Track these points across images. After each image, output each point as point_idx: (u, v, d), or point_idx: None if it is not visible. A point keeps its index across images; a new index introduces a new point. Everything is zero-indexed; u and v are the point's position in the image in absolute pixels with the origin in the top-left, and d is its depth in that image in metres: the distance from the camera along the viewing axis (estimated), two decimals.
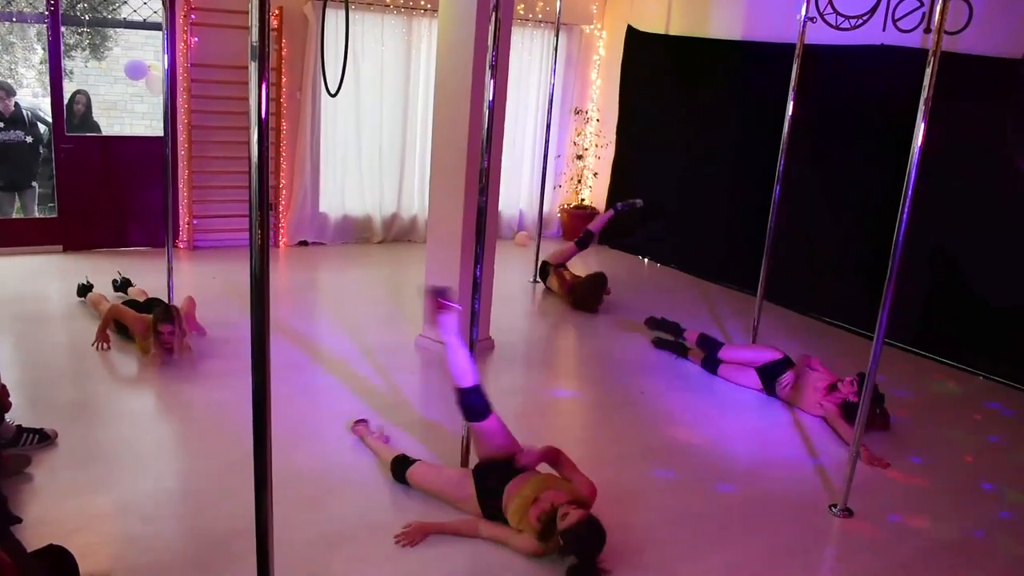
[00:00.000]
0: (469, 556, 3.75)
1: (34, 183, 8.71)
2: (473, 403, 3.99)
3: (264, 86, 2.04)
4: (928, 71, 3.81)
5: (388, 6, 8.50)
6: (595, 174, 10.02)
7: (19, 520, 3.59)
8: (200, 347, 5.81)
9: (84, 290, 6.50)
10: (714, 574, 3.74)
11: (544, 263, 7.88)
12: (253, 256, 2.20)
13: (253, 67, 2.03)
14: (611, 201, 9.78)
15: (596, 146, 9.95)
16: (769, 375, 5.73)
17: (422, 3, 8.62)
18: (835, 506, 4.33)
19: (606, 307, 7.43)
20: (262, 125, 2.07)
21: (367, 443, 4.55)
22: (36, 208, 8.77)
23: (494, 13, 3.91)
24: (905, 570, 3.91)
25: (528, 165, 9.80)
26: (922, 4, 6.67)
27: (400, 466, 4.17)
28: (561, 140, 9.89)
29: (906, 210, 3.92)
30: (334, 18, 8.00)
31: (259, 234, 2.17)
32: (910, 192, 3.90)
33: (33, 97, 11.05)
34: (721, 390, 5.86)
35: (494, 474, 3.93)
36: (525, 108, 9.63)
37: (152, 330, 5.50)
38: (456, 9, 5.57)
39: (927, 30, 6.68)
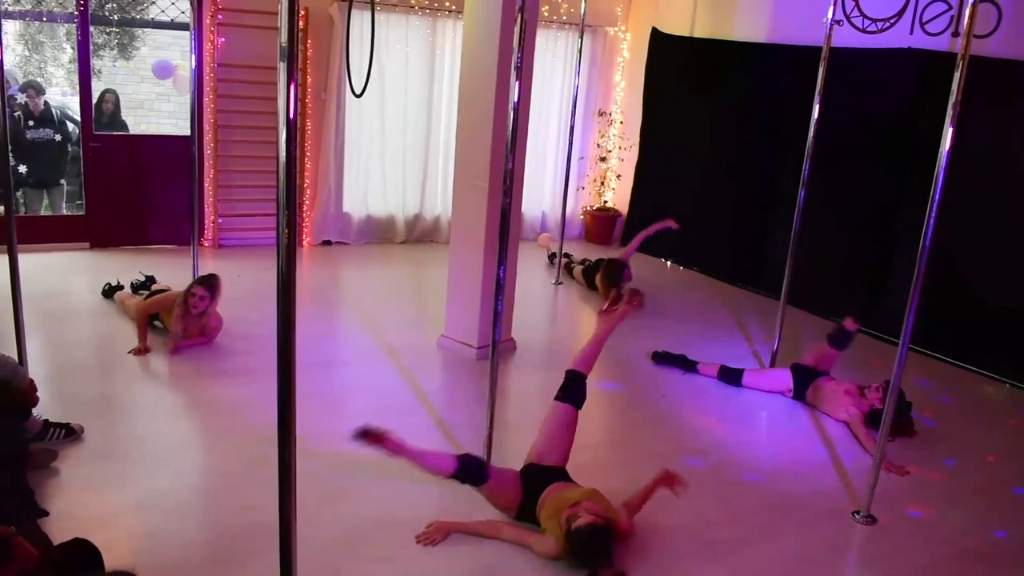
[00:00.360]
0: (489, 554, 3.76)
1: (62, 181, 8.82)
2: (578, 389, 4.17)
3: (293, 86, 2.06)
4: (957, 75, 3.78)
5: (413, 7, 8.53)
6: (618, 176, 10.01)
7: (46, 513, 3.63)
8: (223, 344, 5.87)
9: (111, 291, 6.57)
10: None
11: (601, 262, 7.92)
12: (280, 254, 2.21)
13: (282, 68, 2.05)
14: (634, 204, 9.76)
15: (620, 148, 9.93)
16: (805, 376, 5.70)
17: (447, 4, 8.64)
18: (858, 512, 4.30)
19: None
20: (290, 125, 2.09)
21: (407, 455, 3.90)
22: (64, 205, 8.87)
23: (520, 15, 3.91)
24: None
25: (551, 167, 9.80)
26: (950, 7, 6.62)
27: (474, 470, 3.88)
28: (584, 142, 9.88)
29: (933, 214, 3.89)
30: (359, 19, 8.04)
31: (286, 233, 2.18)
32: (938, 196, 3.87)
33: (62, 96, 11.17)
34: (742, 395, 5.83)
35: (542, 476, 3.94)
36: (548, 110, 9.63)
37: (184, 293, 5.70)
38: (481, 11, 5.58)
39: (955, 33, 6.63)
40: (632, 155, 9.77)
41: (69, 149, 8.73)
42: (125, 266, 7.18)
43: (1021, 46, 6.19)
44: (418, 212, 9.28)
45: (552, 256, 8.64)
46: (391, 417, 4.98)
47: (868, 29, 5.94)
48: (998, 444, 5.35)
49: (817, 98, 5.60)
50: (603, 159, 10.01)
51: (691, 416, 5.38)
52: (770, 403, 5.74)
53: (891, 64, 6.99)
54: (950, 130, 3.81)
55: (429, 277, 7.92)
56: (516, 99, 4.02)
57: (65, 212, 8.75)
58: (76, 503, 3.82)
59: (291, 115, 2.08)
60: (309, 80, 8.30)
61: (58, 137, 8.48)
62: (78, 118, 8.06)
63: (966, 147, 6.16)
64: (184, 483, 4.12)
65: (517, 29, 3.94)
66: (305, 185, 8.55)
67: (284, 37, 2.04)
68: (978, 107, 6.16)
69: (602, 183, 10.09)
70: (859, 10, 5.89)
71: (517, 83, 4.01)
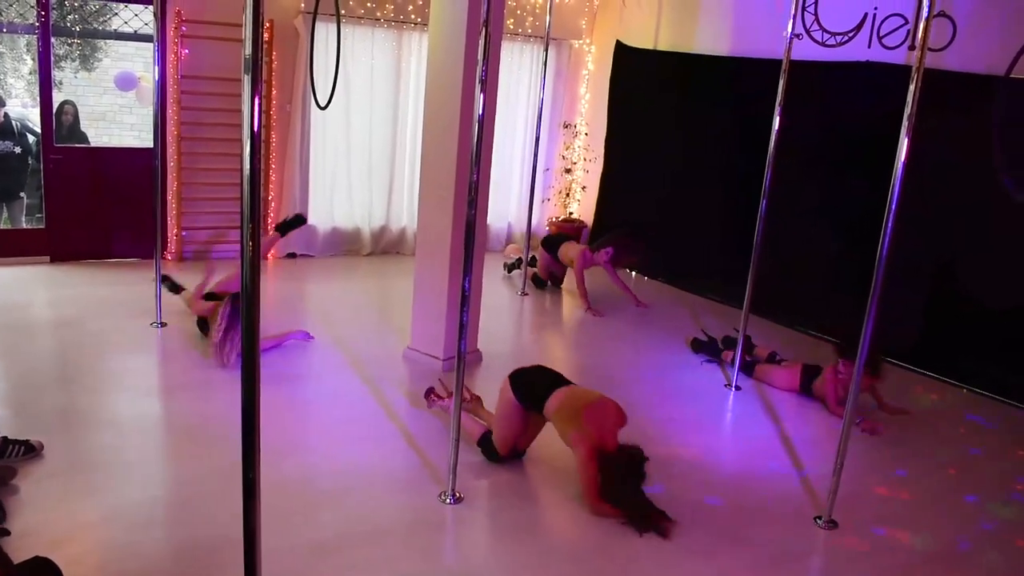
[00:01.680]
0: (462, 564, 3.76)
1: (22, 194, 8.69)
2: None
3: (257, 99, 2.06)
4: (912, 87, 3.87)
5: (379, 19, 8.55)
6: (583, 188, 10.07)
7: (7, 532, 3.58)
8: (186, 356, 5.83)
9: (175, 288, 6.61)
10: None
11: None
12: (244, 268, 2.21)
13: (246, 80, 2.05)
14: (599, 215, 9.83)
15: (585, 160, 10.00)
16: (811, 374, 6.07)
17: (412, 17, 8.66)
18: (820, 518, 4.36)
19: (592, 319, 7.49)
20: (255, 138, 2.09)
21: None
22: (24, 219, 8.75)
23: (484, 28, 3.94)
24: None
25: (517, 178, 9.84)
26: (907, 21, 6.76)
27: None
28: (550, 154, 9.94)
29: (890, 224, 3.97)
30: (324, 31, 8.04)
31: (250, 246, 2.18)
32: (894, 207, 3.94)
33: (22, 107, 11.03)
34: (706, 402, 5.89)
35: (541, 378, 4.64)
36: (514, 122, 9.67)
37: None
38: (447, 24, 5.61)
39: (911, 47, 6.77)
40: (597, 167, 9.85)
41: (29, 162, 8.62)
42: (86, 280, 7.10)
43: (974, 59, 6.34)
44: (384, 224, 9.27)
45: (510, 267, 8.69)
46: (357, 428, 4.99)
47: (827, 42, 6.06)
48: (959, 452, 5.45)
49: (778, 110, 5.69)
50: (568, 171, 10.07)
51: (656, 423, 5.41)
52: (734, 411, 5.80)
53: (851, 77, 7.11)
54: (905, 140, 3.89)
55: (395, 289, 7.91)
56: (481, 111, 4.04)
57: (25, 225, 8.63)
58: (37, 520, 3.76)
59: (255, 128, 2.08)
60: (274, 92, 8.28)
61: (18, 149, 8.37)
62: (38, 130, 7.95)
63: (928, 159, 6.34)
64: (149, 496, 4.07)
65: (482, 42, 3.96)
66: (270, 198, 8.51)
67: (248, 49, 2.03)
68: (961, 121, 6.32)
69: (567, 195, 10.15)
70: (818, 24, 6.00)
71: (482, 95, 4.03)
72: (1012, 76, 6.17)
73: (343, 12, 7.77)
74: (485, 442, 4.68)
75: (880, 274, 4.02)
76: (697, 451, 5.09)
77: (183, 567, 3.55)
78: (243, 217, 2.16)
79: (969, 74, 6.36)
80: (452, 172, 5.70)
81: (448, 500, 4.23)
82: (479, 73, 4.01)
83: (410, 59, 8.88)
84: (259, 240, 2.22)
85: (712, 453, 5.12)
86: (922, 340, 6.83)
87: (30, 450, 4.28)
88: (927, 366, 6.78)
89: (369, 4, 8.44)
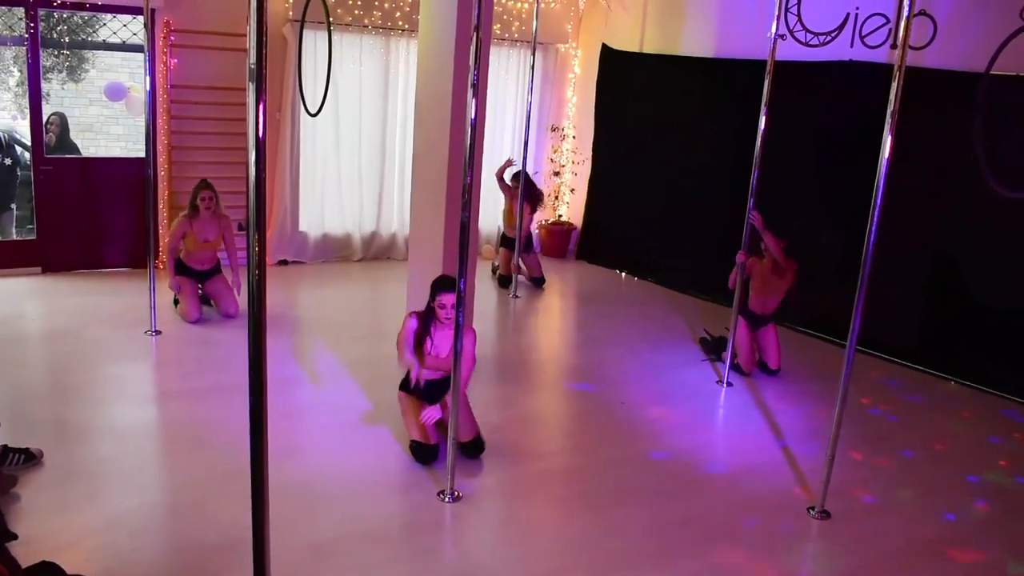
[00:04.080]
0: (461, 562, 3.81)
1: (12, 205, 8.69)
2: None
3: (261, 107, 2.10)
4: (894, 85, 3.95)
5: (367, 26, 8.59)
6: (572, 190, 10.14)
7: (15, 536, 3.61)
8: (181, 363, 5.86)
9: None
10: None
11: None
12: (250, 272, 2.26)
13: (251, 88, 2.09)
14: (588, 217, 9.90)
15: (573, 163, 10.07)
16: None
17: (400, 24, 8.72)
18: (813, 508, 4.43)
19: (584, 320, 7.54)
20: (259, 145, 2.13)
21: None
22: (14, 230, 8.75)
23: (475, 33, 3.99)
24: (882, 571, 4.01)
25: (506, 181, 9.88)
26: (888, 20, 6.85)
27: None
28: (538, 157, 10.00)
29: (875, 220, 4.04)
30: (312, 39, 8.08)
31: (257, 251, 2.23)
32: (879, 203, 4.02)
33: (11, 120, 11.02)
34: (699, 400, 5.96)
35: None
36: (503, 126, 9.73)
37: (190, 206, 6.84)
38: (436, 30, 5.66)
39: (893, 46, 6.85)
40: (585, 169, 9.92)
41: (19, 173, 8.62)
42: (79, 290, 7.11)
43: (955, 57, 6.44)
44: (374, 230, 9.32)
45: (496, 269, 8.81)
46: (354, 430, 5.04)
47: (810, 43, 6.12)
48: (949, 444, 5.54)
49: (763, 110, 5.77)
50: (557, 174, 10.14)
51: (648, 424, 5.48)
52: (726, 408, 5.87)
53: (835, 76, 7.21)
54: (889, 137, 3.97)
55: (387, 293, 7.96)
56: (473, 116, 4.10)
57: (16, 237, 8.63)
58: (40, 527, 3.80)
59: (260, 135, 2.13)
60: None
61: (7, 161, 8.36)
62: (27, 142, 7.96)
63: (917, 156, 6.42)
64: (149, 502, 4.11)
65: (472, 47, 4.01)
66: None
67: (253, 58, 2.08)
68: (952, 119, 6.40)
69: (556, 197, 10.21)
70: (801, 24, 6.07)
71: (474, 100, 4.08)
72: (993, 72, 6.26)
73: (331, 19, 7.82)
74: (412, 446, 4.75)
75: (867, 268, 4.10)
76: (689, 447, 5.16)
77: (187, 571, 3.59)
78: (249, 223, 2.21)
79: (950, 71, 6.46)
80: (444, 176, 5.75)
81: (447, 499, 4.28)
82: (470, 78, 4.06)
83: (398, 65, 8.94)
84: (264, 245, 2.27)
85: (704, 448, 5.19)
86: (912, 335, 6.92)
87: (30, 458, 4.31)
88: (916, 360, 6.87)
89: (357, 12, 8.49)
